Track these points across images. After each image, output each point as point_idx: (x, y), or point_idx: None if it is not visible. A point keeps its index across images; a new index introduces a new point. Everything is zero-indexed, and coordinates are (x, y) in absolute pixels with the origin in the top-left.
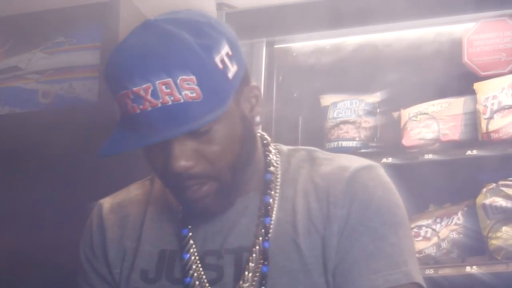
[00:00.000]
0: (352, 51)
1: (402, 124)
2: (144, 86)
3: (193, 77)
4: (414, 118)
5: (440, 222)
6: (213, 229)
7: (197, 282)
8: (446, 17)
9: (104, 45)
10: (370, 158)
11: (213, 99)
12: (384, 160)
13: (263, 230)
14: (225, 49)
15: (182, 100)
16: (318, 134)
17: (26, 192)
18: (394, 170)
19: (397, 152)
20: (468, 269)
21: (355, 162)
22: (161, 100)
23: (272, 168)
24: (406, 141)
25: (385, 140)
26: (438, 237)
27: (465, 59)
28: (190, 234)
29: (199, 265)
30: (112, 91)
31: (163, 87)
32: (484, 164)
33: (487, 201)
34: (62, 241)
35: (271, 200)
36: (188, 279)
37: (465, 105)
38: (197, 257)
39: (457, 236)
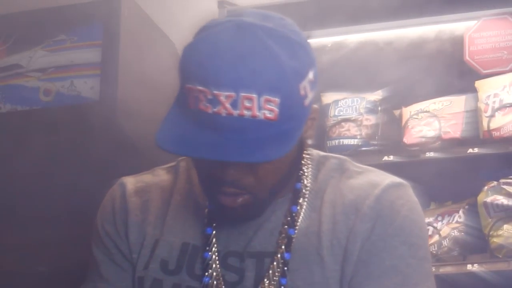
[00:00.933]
0: (353, 49)
1: (404, 122)
2: (227, 93)
3: (277, 100)
4: (415, 116)
5: (442, 220)
6: (237, 230)
7: (215, 282)
8: (448, 15)
9: (105, 43)
10: (371, 156)
11: (287, 124)
12: (385, 158)
13: (286, 240)
14: (310, 76)
15: (258, 118)
16: (320, 132)
17: (28, 189)
18: (395, 168)
19: (398, 150)
20: (469, 267)
21: (386, 178)
22: (238, 112)
23: (302, 177)
24: (407, 139)
25: (387, 138)
26: (440, 235)
27: (467, 57)
28: (214, 232)
29: (218, 266)
30: (185, 78)
31: (246, 100)
32: (485, 162)
33: (489, 199)
34: (66, 239)
35: (298, 209)
36: (207, 279)
37: (467, 103)
38: (217, 257)
39: (458, 234)
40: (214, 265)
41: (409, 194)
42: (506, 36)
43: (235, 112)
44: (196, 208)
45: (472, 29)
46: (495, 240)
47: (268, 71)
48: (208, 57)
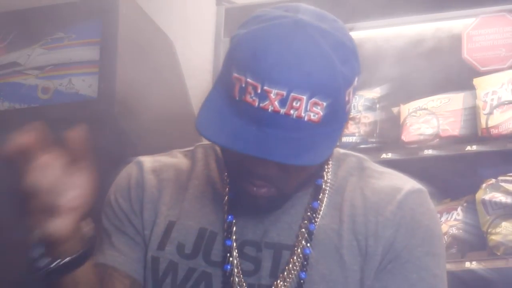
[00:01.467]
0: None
1: (402, 119)
2: (277, 91)
3: (324, 104)
4: (413, 114)
5: (440, 218)
6: (254, 220)
7: (235, 270)
8: (446, 12)
9: (103, 41)
10: (370, 154)
11: (328, 127)
12: (384, 155)
13: (306, 235)
14: (355, 82)
15: (302, 119)
16: None
17: None
18: (394, 166)
19: (397, 148)
20: (467, 264)
21: (407, 183)
22: (284, 111)
23: (323, 173)
24: (405, 137)
25: (385, 136)
26: None
27: (465, 54)
28: (234, 221)
29: (237, 254)
30: (234, 67)
31: (294, 101)
32: (483, 159)
33: (487, 197)
34: None
35: (319, 204)
36: (227, 266)
37: (465, 100)
38: (236, 246)
39: (456, 231)
40: (234, 253)
41: (429, 201)
42: (505, 33)
43: (282, 110)
44: (214, 195)
45: (470, 27)
46: (493, 237)
47: (322, 75)
48: (263, 52)
